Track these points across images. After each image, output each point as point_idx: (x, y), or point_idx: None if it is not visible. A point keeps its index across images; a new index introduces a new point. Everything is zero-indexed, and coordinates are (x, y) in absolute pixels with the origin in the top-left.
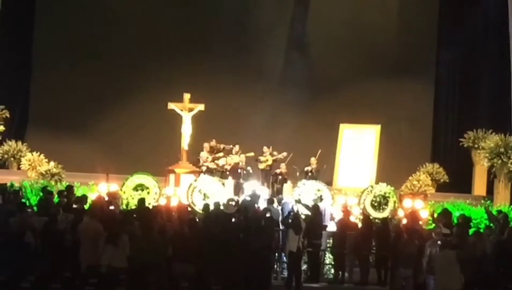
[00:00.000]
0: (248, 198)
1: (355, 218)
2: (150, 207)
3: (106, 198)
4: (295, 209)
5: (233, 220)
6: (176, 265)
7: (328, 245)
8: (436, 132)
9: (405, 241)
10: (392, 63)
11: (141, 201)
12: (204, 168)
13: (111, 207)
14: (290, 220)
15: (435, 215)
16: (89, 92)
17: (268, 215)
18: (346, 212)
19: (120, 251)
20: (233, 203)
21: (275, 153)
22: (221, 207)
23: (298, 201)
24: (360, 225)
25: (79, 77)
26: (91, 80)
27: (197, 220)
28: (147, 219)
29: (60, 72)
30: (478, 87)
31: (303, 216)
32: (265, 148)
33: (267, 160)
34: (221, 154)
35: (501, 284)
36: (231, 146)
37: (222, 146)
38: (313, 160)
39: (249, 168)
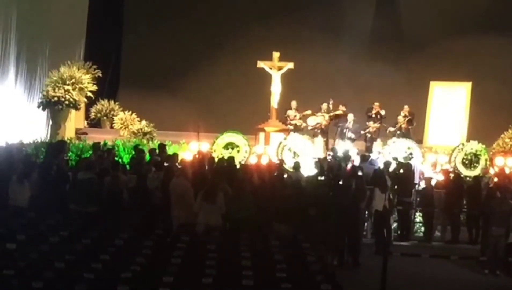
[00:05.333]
0: (339, 156)
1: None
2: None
3: (197, 157)
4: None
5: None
6: (276, 226)
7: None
8: None
9: (499, 199)
10: (485, 20)
11: (231, 159)
12: (291, 127)
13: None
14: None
15: None
16: (179, 51)
17: (360, 173)
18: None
19: (216, 209)
20: (317, 160)
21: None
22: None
23: (396, 159)
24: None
25: (169, 37)
26: (181, 39)
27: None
28: (239, 178)
29: (151, 32)
30: None
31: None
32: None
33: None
34: (309, 111)
35: None
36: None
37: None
38: (400, 119)
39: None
